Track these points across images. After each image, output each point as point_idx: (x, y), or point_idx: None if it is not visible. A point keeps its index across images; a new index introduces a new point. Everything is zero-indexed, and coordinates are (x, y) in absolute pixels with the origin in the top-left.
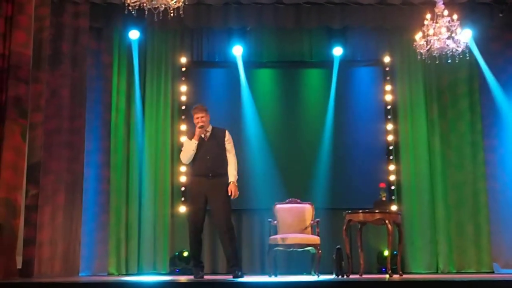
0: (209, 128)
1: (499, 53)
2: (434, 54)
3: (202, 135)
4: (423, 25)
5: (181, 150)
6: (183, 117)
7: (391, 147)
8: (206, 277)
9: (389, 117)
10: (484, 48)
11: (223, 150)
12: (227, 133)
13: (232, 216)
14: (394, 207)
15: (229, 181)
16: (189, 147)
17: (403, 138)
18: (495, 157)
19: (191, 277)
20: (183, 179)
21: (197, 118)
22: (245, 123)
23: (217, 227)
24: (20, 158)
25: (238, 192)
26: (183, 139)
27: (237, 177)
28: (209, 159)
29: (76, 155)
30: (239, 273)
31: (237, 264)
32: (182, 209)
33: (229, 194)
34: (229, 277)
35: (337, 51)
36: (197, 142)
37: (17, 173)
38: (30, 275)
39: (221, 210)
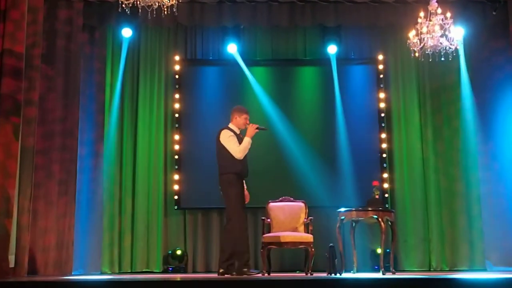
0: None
1: (486, 59)
2: (427, 52)
3: (241, 136)
4: (417, 23)
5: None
6: (176, 115)
7: (384, 145)
8: (202, 275)
9: (382, 115)
10: (472, 54)
11: None
12: None
13: None
14: (387, 205)
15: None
16: (247, 145)
17: (396, 136)
18: (488, 157)
19: (185, 275)
20: (176, 177)
21: (247, 119)
22: None
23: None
24: (13, 157)
25: None
26: (227, 133)
27: None
28: (247, 160)
29: (69, 155)
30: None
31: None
32: (175, 207)
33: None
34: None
35: (332, 49)
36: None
37: (10, 172)
38: (23, 274)
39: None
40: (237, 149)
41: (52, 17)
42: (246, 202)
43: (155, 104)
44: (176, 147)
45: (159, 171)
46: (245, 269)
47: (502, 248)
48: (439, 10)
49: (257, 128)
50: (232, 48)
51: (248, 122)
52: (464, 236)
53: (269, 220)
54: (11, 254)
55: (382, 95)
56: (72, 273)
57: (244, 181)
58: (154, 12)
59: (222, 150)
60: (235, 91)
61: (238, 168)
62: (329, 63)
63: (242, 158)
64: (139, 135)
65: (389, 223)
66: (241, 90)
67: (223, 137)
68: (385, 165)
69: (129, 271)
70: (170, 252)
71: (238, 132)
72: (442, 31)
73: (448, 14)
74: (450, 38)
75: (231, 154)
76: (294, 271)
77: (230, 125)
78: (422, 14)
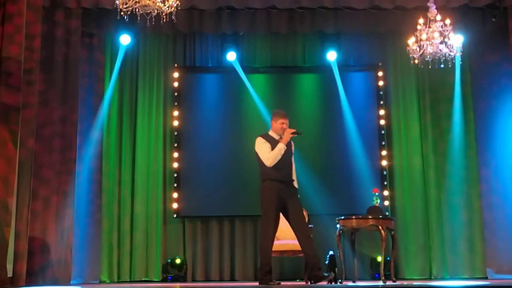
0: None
1: (486, 66)
2: (427, 59)
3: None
4: (416, 29)
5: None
6: (175, 122)
7: (384, 152)
8: (201, 284)
9: (381, 122)
10: (471, 61)
11: (291, 157)
12: (292, 142)
13: (227, 222)
14: (387, 213)
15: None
16: (277, 151)
17: (396, 143)
18: (489, 165)
19: (185, 284)
20: (175, 185)
21: (283, 123)
22: (239, 128)
23: (299, 231)
24: (12, 166)
25: None
26: (260, 141)
27: None
28: (287, 165)
29: (67, 163)
30: (329, 274)
31: (321, 266)
32: (174, 216)
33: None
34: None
35: (332, 56)
36: (285, 147)
37: (8, 181)
38: (21, 284)
39: (301, 215)
40: (265, 156)
41: (50, 24)
42: None
43: (154, 111)
44: (175, 154)
45: (158, 179)
46: (269, 280)
47: (503, 256)
48: (439, 17)
49: (292, 133)
50: (231, 56)
51: (285, 127)
52: (465, 243)
53: None
54: (9, 263)
55: (381, 101)
56: (71, 282)
57: (296, 184)
58: (153, 19)
59: (258, 158)
60: (234, 98)
61: (276, 174)
62: (328, 70)
63: (271, 165)
64: (137, 142)
65: (390, 231)
66: (240, 97)
67: (256, 144)
68: (385, 172)
69: (128, 280)
70: (169, 260)
71: (277, 137)
72: (442, 38)
73: (448, 21)
74: (450, 45)
75: None
76: (294, 279)
77: (270, 131)
78: (421, 21)
